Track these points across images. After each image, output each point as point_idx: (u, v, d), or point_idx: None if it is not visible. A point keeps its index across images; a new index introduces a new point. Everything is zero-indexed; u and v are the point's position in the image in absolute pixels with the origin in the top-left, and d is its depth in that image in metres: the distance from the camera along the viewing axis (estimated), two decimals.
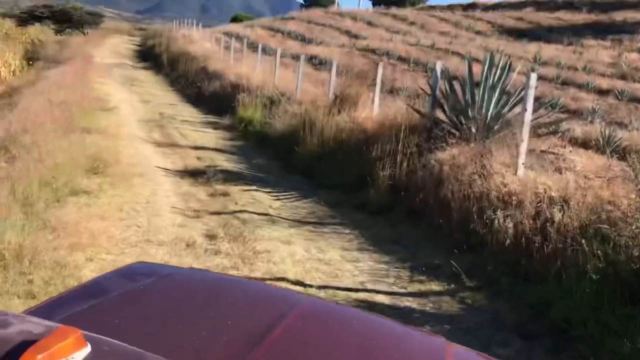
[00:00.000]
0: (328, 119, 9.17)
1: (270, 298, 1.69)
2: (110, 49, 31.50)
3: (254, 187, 7.38)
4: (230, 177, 7.71)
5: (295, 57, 21.31)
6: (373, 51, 25.22)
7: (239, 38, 27.08)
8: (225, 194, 6.82)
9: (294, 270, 4.80)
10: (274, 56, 15.79)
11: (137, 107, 13.75)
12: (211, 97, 15.90)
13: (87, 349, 0.87)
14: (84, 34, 34.70)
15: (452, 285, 4.74)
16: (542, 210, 5.20)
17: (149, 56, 28.85)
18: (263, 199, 6.95)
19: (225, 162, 8.68)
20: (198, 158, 8.81)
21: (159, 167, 7.86)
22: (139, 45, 35.98)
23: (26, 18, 34.60)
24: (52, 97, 11.05)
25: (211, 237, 5.35)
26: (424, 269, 5.05)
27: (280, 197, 7.18)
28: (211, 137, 10.90)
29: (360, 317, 1.92)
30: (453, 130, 7.38)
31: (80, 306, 1.35)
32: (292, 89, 13.22)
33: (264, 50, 23.85)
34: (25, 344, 0.82)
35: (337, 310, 2.01)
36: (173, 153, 8.97)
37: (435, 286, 4.76)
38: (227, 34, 30.41)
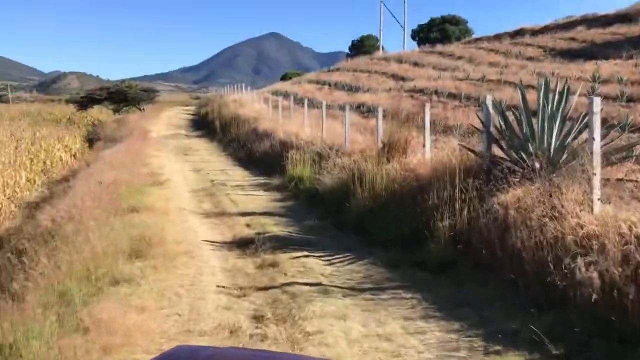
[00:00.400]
0: (377, 168, 8.68)
1: None
2: (166, 121, 32.48)
3: (305, 253, 6.91)
4: (279, 243, 7.29)
5: (343, 108, 21.17)
6: (421, 91, 24.74)
7: (287, 95, 27.30)
8: (273, 265, 6.38)
9: (350, 353, 4.24)
10: (321, 109, 15.57)
11: (189, 176, 13.73)
12: (262, 157, 15.79)
13: None
14: (141, 110, 36.04)
15: (536, 355, 4.03)
16: (630, 254, 4.46)
17: (203, 124, 29.49)
18: (314, 265, 6.46)
19: (274, 227, 8.29)
20: (247, 225, 8.46)
21: (206, 241, 7.54)
22: (193, 115, 37.00)
23: (86, 102, 36.47)
24: (104, 177, 11.12)
25: (258, 318, 4.88)
26: (499, 335, 4.37)
27: (333, 261, 6.66)
28: (261, 200, 10.60)
29: None
30: (515, 168, 6.73)
31: None
32: (340, 140, 12.88)
33: (312, 104, 23.86)
34: None
35: None
36: (222, 223, 8.68)
37: (515, 357, 4.07)
38: (276, 93, 30.82)
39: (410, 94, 24.14)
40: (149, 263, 6.23)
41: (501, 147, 7.34)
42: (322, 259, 6.74)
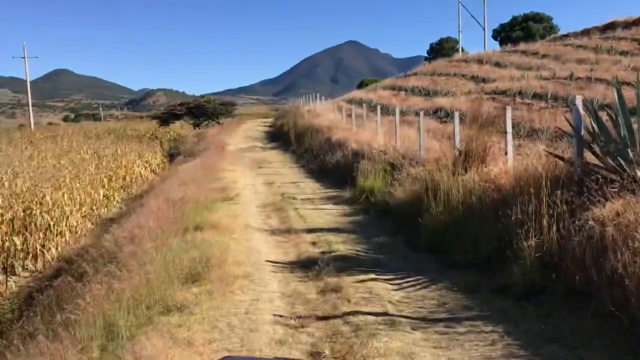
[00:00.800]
0: (454, 179, 7.95)
1: None
2: (243, 134, 32.85)
3: (372, 275, 6.31)
4: (345, 264, 6.73)
5: (419, 114, 20.38)
6: (503, 93, 23.43)
7: (361, 103, 26.76)
8: (337, 289, 5.83)
9: None
10: (395, 116, 14.92)
11: (260, 190, 13.47)
12: (333, 169, 15.33)
13: None
14: (219, 124, 36.70)
15: None
16: None
17: (278, 135, 29.51)
18: (381, 290, 5.84)
19: (341, 245, 7.74)
20: (313, 243, 7.97)
21: (269, 262, 7.11)
22: (270, 127, 37.26)
23: (167, 117, 37.64)
24: (173, 194, 11.03)
25: (314, 355, 4.35)
26: None
27: (403, 285, 6.02)
28: (330, 214, 10.09)
29: None
30: (612, 177, 5.84)
31: None
32: (415, 148, 12.19)
33: (387, 111, 23.17)
34: None
35: None
36: (287, 241, 8.24)
37: None
38: (351, 101, 30.36)
39: (492, 96, 22.90)
40: (205, 288, 5.85)
41: (594, 153, 6.44)
42: (391, 282, 6.11)
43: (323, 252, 7.40)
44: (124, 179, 18.49)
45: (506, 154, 8.30)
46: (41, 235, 10.00)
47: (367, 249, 7.57)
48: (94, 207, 13.50)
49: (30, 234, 9.73)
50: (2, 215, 9.45)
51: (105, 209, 14.97)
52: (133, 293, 5.37)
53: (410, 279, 6.18)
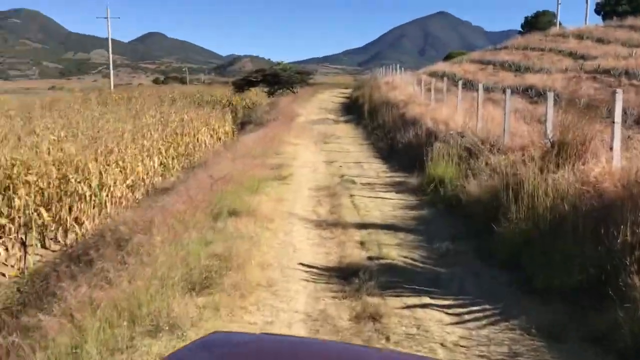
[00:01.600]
0: (541, 177, 6.36)
1: (345, 356, 1.69)
2: (317, 105, 31.66)
3: (425, 299, 4.94)
4: (394, 278, 5.40)
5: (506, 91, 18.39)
6: (607, 72, 20.77)
7: (444, 77, 24.79)
8: (376, 317, 4.53)
9: None
10: (477, 93, 13.17)
11: (319, 169, 12.24)
12: (404, 149, 13.83)
13: None
14: (294, 93, 35.69)
15: None
16: None
17: (353, 108, 28.09)
18: (434, 325, 4.48)
19: (394, 250, 6.38)
20: (361, 244, 6.66)
21: (302, 266, 5.88)
22: (347, 98, 35.85)
23: (243, 84, 37.00)
24: (221, 169, 10.03)
25: None
26: None
27: (464, 318, 4.62)
28: (390, 205, 8.70)
29: None
30: None
31: None
32: (498, 132, 10.52)
33: (471, 86, 21.17)
34: None
35: None
36: (332, 237, 6.97)
37: None
38: (433, 74, 28.38)
39: (593, 75, 20.36)
40: (214, 299, 4.72)
41: None
42: (449, 312, 4.73)
43: (370, 258, 6.09)
44: (187, 146, 17.81)
45: (612, 149, 6.57)
46: (76, 206, 9.31)
47: (426, 257, 6.17)
48: (146, 177, 12.79)
49: (61, 205, 9.05)
50: (32, 184, 8.81)
51: (160, 178, 14.29)
52: (123, 303, 4.33)
53: (474, 309, 4.76)
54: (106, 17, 45.53)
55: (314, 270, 5.76)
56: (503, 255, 5.78)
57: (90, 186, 9.51)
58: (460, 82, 14.96)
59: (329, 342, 3.07)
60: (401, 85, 26.00)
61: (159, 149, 14.79)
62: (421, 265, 5.92)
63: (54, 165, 9.59)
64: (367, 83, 32.91)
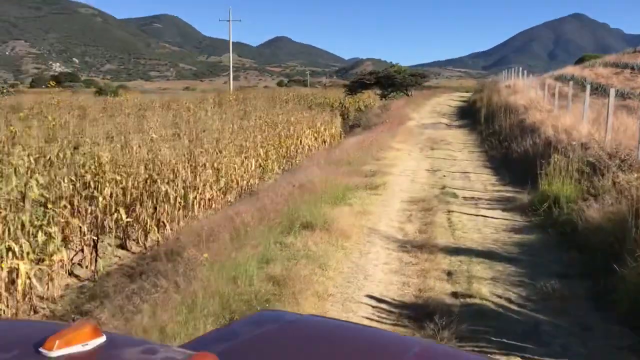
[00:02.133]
0: None
1: (388, 343, 1.73)
2: (430, 108, 30.27)
3: None
4: (479, 325, 4.33)
5: None
6: None
7: (571, 81, 22.47)
8: None
9: None
10: (608, 99, 11.43)
11: (419, 179, 11.17)
12: (519, 159, 12.35)
13: None
14: (408, 96, 34.44)
15: None
16: None
17: (470, 113, 26.40)
18: None
19: (487, 285, 5.25)
20: (448, 274, 5.60)
21: (370, 299, 4.96)
22: (464, 102, 34.04)
23: (356, 87, 36.31)
24: (307, 175, 9.35)
25: None
26: None
27: None
28: (492, 226, 7.47)
29: None
30: None
31: (216, 347, 1.54)
32: (631, 146, 8.92)
33: (602, 92, 18.91)
34: None
35: (455, 355, 1.94)
36: (415, 263, 5.97)
37: None
38: (560, 78, 25.97)
39: None
40: None
41: None
42: None
43: (455, 294, 5.03)
44: (288, 149, 17.40)
45: None
46: (161, 208, 9.06)
47: (526, 299, 4.99)
48: (240, 179, 12.44)
49: (143, 206, 8.81)
50: (117, 183, 8.65)
51: (258, 180, 13.93)
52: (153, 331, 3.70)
53: None
54: (228, 20, 46.98)
55: (383, 306, 4.82)
56: (625, 307, 4.48)
57: (174, 188, 9.22)
58: (588, 87, 13.12)
59: (369, 328, 3.05)
60: (523, 90, 24.00)
61: (258, 151, 14.43)
62: (517, 309, 4.76)
63: (145, 165, 9.43)
64: (487, 86, 30.93)
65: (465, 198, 9.30)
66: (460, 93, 49.01)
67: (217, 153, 12.25)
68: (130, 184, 8.94)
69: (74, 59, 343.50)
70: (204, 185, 10.38)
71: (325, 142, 20.81)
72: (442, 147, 16.19)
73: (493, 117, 20.13)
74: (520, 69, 27.06)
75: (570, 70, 29.42)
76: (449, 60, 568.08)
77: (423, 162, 13.35)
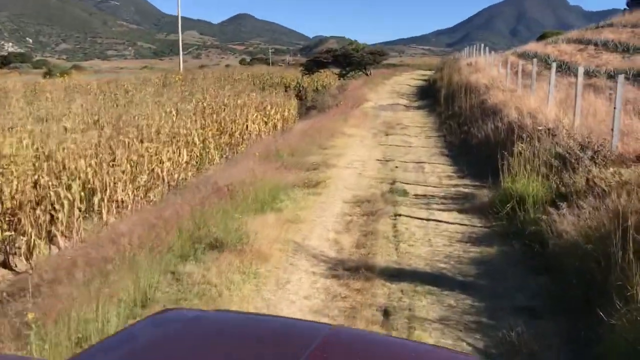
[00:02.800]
0: None
1: (295, 331, 1.69)
2: (389, 88, 29.03)
3: None
4: None
5: (613, 77, 15.13)
6: None
7: (535, 58, 21.47)
8: None
9: None
10: (577, 78, 10.32)
11: (367, 172, 9.88)
12: (479, 145, 11.19)
13: None
14: (367, 75, 33.08)
15: None
16: None
17: (430, 93, 25.26)
18: None
19: (433, 334, 3.97)
20: (385, 314, 4.28)
21: None
22: (425, 80, 32.93)
23: (311, 66, 34.66)
24: (234, 172, 7.95)
25: None
26: None
27: None
28: (446, 236, 6.22)
29: (388, 342, 1.85)
30: None
31: (114, 354, 1.49)
32: (604, 132, 7.79)
33: (568, 70, 17.91)
34: None
35: (363, 336, 1.93)
36: (346, 295, 4.64)
37: None
38: (523, 55, 24.97)
39: None
40: None
41: None
42: None
43: None
44: (232, 136, 15.89)
45: None
46: (56, 215, 7.55)
47: (482, 352, 3.74)
48: (166, 174, 10.95)
49: (26, 215, 7.28)
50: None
51: (194, 173, 12.44)
52: None
53: None
54: None
55: None
56: None
57: (71, 192, 7.70)
58: (554, 64, 12.01)
59: (278, 318, 2.78)
60: (485, 68, 22.94)
61: (195, 139, 12.92)
62: None
63: (34, 162, 7.86)
64: (448, 64, 29.83)
65: (416, 196, 8.05)
66: (423, 71, 47.94)
67: (139, 143, 10.72)
68: (15, 186, 7.37)
69: (27, 38, 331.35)
70: (115, 184, 8.86)
71: (276, 127, 19.33)
72: (398, 132, 14.94)
73: (453, 98, 18.99)
74: (483, 45, 25.95)
75: (533, 47, 28.45)
76: (413, 38, 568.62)
77: (375, 151, 12.06)
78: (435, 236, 6.14)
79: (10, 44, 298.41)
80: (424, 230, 6.35)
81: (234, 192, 6.66)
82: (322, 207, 7.27)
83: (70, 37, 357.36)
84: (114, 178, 8.90)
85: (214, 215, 5.82)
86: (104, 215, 8.48)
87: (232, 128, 16.25)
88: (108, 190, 8.61)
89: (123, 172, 9.27)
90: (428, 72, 42.13)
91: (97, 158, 9.05)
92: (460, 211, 7.16)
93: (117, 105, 15.39)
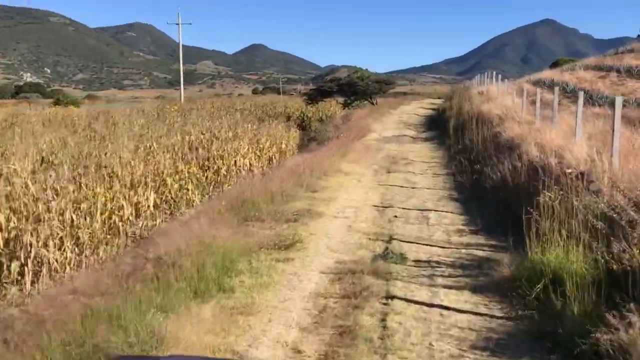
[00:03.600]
0: None
1: None
2: (397, 118, 27.41)
3: None
4: None
5: None
6: None
7: (553, 86, 19.80)
8: None
9: None
10: (609, 109, 8.65)
11: (359, 223, 8.12)
12: (494, 190, 9.43)
13: None
14: (373, 104, 31.50)
15: None
16: None
17: (439, 123, 23.60)
18: None
19: None
20: None
21: None
22: (435, 110, 31.30)
23: (314, 95, 33.05)
24: (172, 239, 6.24)
25: None
26: None
27: None
28: (455, 334, 4.41)
29: None
30: None
31: None
32: None
33: (590, 99, 16.18)
34: None
35: None
36: None
37: None
38: (538, 83, 23.29)
39: None
40: None
41: None
42: None
43: None
44: (217, 172, 14.26)
45: None
46: None
47: None
48: (126, 222, 9.31)
49: None
50: None
51: (164, 218, 10.77)
52: None
53: None
54: (177, 24, 43.77)
55: None
56: None
57: None
58: (581, 94, 10.26)
59: None
60: (497, 97, 21.27)
61: (163, 179, 11.28)
62: None
63: None
64: (458, 93, 28.21)
65: (417, 262, 6.27)
66: (432, 100, 46.39)
67: (91, 190, 9.11)
68: None
69: (45, 68, 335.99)
70: (45, 244, 7.19)
71: (271, 161, 17.66)
72: (402, 169, 13.21)
73: (463, 129, 17.29)
74: (495, 73, 24.32)
75: (548, 74, 26.75)
76: (424, 67, 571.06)
77: (373, 193, 10.34)
78: (440, 338, 4.35)
79: (29, 74, 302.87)
80: (424, 327, 4.55)
81: (166, 268, 4.94)
82: (291, 284, 5.50)
83: (87, 67, 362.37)
84: (44, 236, 7.23)
85: (125, 307, 4.10)
86: (28, 286, 6.78)
87: (218, 164, 14.63)
88: (32, 253, 6.93)
89: (61, 224, 7.61)
90: (438, 101, 40.56)
91: (25, 208, 7.41)
92: (474, 290, 5.36)
93: (91, 139, 13.84)
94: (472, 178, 10.92)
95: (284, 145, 19.72)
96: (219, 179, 14.39)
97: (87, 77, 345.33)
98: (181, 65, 41.38)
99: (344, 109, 31.61)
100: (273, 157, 18.12)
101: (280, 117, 28.60)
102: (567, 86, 19.48)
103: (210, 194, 13.49)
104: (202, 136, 16.99)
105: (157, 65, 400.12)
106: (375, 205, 9.28)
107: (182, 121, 21.22)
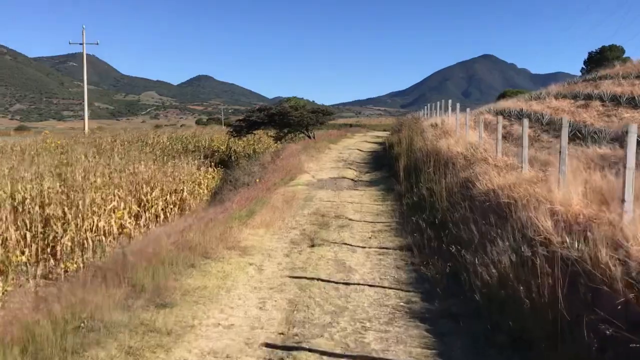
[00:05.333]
0: None
1: None
2: (337, 154, 23.16)
3: None
4: None
5: None
6: None
7: (522, 117, 16.07)
8: None
9: None
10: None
11: None
12: (489, 300, 5.09)
13: None
14: (309, 138, 27.20)
15: None
16: None
17: (385, 161, 19.50)
18: None
19: None
20: None
21: None
22: (380, 144, 27.35)
23: (242, 127, 28.33)
24: None
25: None
26: None
27: None
28: None
29: None
30: None
31: None
32: None
33: (580, 135, 12.37)
34: None
35: None
36: None
37: None
38: (502, 113, 19.57)
39: None
40: None
41: None
42: None
43: None
44: (54, 246, 9.49)
45: None
46: None
47: None
48: None
49: None
50: None
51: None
52: None
53: None
54: (82, 43, 39.04)
55: None
56: None
57: None
58: (566, 124, 6.25)
59: None
60: (456, 129, 17.35)
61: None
62: None
63: None
64: (406, 125, 24.34)
65: None
66: (377, 132, 42.83)
67: None
68: None
69: None
70: None
71: (158, 218, 12.89)
72: (333, 238, 8.77)
73: (417, 171, 13.15)
74: (450, 101, 20.49)
75: (509, 104, 23.18)
76: (370, 99, 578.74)
77: (274, 303, 5.80)
78: None
79: None
80: None
81: None
82: None
83: (25, 97, 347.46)
84: None
85: None
86: None
87: (61, 230, 9.83)
88: None
89: None
90: (383, 134, 36.82)
91: None
92: None
93: None
94: (445, 267, 6.57)
95: (185, 194, 15.03)
96: (59, 256, 9.56)
97: (25, 107, 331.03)
98: (85, 87, 36.28)
99: (275, 142, 27.18)
100: (164, 211, 13.38)
101: (199, 153, 23.94)
102: (543, 117, 15.77)
103: (36, 278, 8.66)
104: (60, 184, 12.08)
105: (99, 95, 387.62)
106: (267, 345, 4.74)
107: (56, 161, 16.19)
